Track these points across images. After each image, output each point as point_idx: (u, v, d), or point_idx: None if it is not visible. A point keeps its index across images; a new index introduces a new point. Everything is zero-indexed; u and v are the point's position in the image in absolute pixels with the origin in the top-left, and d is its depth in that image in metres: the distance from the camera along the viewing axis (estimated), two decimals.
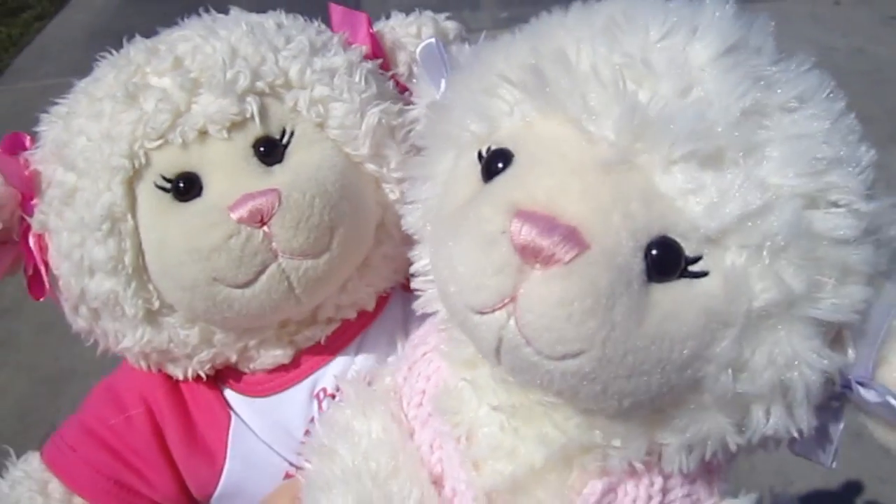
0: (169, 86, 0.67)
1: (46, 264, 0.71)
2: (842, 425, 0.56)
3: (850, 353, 0.51)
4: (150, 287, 0.68)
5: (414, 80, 0.73)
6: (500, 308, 0.48)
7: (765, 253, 0.47)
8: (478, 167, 0.53)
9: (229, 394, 0.77)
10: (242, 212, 0.63)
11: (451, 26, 0.82)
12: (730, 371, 0.49)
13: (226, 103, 0.66)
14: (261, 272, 0.65)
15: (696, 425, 0.52)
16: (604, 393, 0.49)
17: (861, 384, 0.51)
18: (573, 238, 0.45)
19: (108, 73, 0.69)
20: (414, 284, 0.63)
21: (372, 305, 0.77)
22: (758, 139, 0.48)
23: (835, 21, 3.14)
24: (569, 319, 0.46)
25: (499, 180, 0.50)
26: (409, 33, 0.80)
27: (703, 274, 0.47)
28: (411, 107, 0.73)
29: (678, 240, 0.47)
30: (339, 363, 0.77)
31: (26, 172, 0.71)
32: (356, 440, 0.66)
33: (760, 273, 0.47)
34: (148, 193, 0.67)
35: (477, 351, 0.59)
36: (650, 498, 0.58)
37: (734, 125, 0.47)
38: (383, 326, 0.79)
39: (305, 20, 0.76)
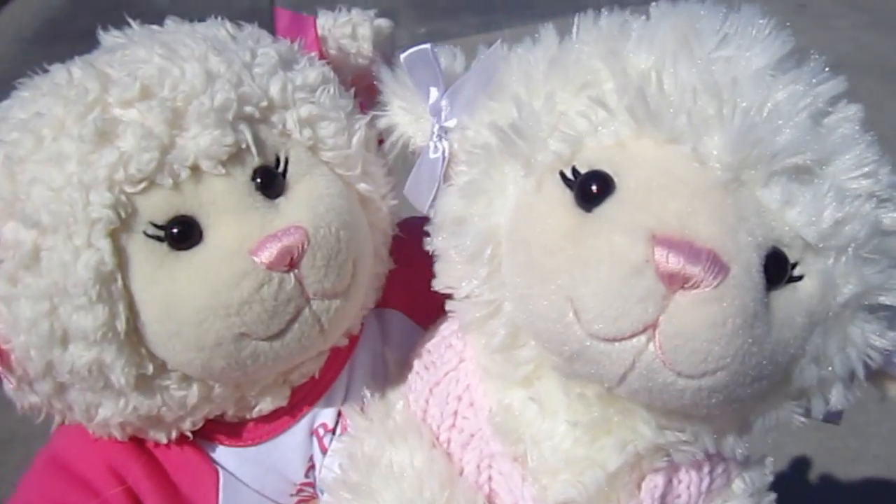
0: (145, 119, 0.57)
1: None
2: None
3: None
4: (143, 351, 0.59)
5: (381, 85, 0.68)
6: (638, 334, 0.48)
7: (849, 252, 0.51)
8: (566, 190, 0.53)
9: (214, 448, 0.69)
10: (271, 255, 0.57)
11: (384, 25, 0.77)
12: (814, 363, 0.53)
13: (218, 134, 0.58)
14: (293, 320, 0.59)
15: (767, 415, 0.57)
16: (723, 401, 0.52)
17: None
18: (717, 262, 0.47)
19: (53, 107, 0.57)
20: (452, 307, 0.61)
21: (358, 328, 0.73)
22: (824, 146, 0.52)
23: None
24: (719, 340, 0.47)
25: (614, 205, 0.50)
26: (345, 34, 0.75)
27: (800, 277, 0.51)
28: (383, 113, 0.69)
29: (784, 249, 0.51)
30: (333, 394, 0.72)
31: None
32: (397, 473, 0.63)
33: (842, 270, 0.52)
34: (138, 245, 0.57)
35: (536, 370, 0.59)
36: (700, 481, 0.63)
37: (809, 135, 0.51)
38: (366, 346, 0.75)
39: (250, 27, 0.68)
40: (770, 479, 0.68)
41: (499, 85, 0.59)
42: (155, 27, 0.66)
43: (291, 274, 0.58)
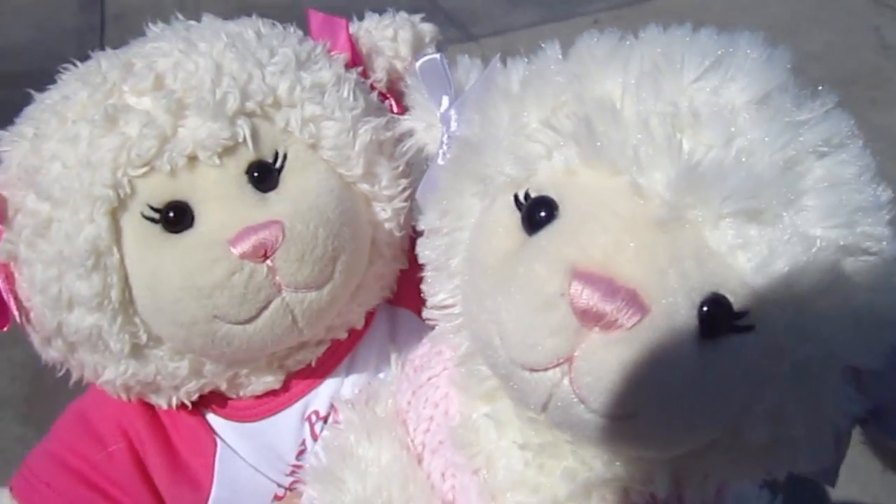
0: (152, 108, 0.62)
1: (14, 294, 0.66)
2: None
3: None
4: (137, 321, 0.64)
5: (406, 90, 0.70)
6: (553, 367, 0.47)
7: (808, 307, 0.48)
8: (516, 213, 0.52)
9: (214, 419, 0.74)
10: (245, 247, 0.60)
11: (427, 29, 0.78)
12: (769, 420, 0.50)
13: (216, 127, 0.62)
14: (264, 308, 0.62)
15: (727, 468, 0.54)
16: (650, 447, 0.50)
17: (877, 417, 0.54)
18: (635, 302, 0.45)
19: (80, 92, 0.63)
20: (426, 315, 0.62)
21: (361, 323, 0.75)
22: (797, 189, 0.48)
23: None
24: (629, 383, 0.46)
25: (547, 234, 0.49)
26: (386, 37, 0.76)
27: (749, 328, 0.48)
28: (402, 118, 0.70)
29: (728, 296, 0.48)
30: (330, 384, 0.75)
31: None
32: (363, 467, 0.65)
33: (801, 326, 0.48)
34: (134, 224, 0.62)
35: (499, 387, 0.59)
36: None
37: (779, 178, 0.47)
38: (371, 342, 0.78)
39: (284, 28, 0.72)
40: None
41: (485, 100, 0.59)
42: (192, 22, 0.70)
43: (265, 265, 0.61)
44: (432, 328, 0.73)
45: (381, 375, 0.75)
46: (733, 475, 0.55)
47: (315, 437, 0.74)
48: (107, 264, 0.61)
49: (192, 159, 0.62)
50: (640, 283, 0.46)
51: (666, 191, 0.47)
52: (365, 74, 0.74)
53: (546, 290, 0.47)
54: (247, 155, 0.64)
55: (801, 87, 0.53)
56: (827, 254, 0.48)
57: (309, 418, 0.74)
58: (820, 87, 0.53)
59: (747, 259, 0.47)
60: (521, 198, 0.52)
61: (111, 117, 0.61)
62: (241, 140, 0.63)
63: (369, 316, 0.77)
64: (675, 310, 0.46)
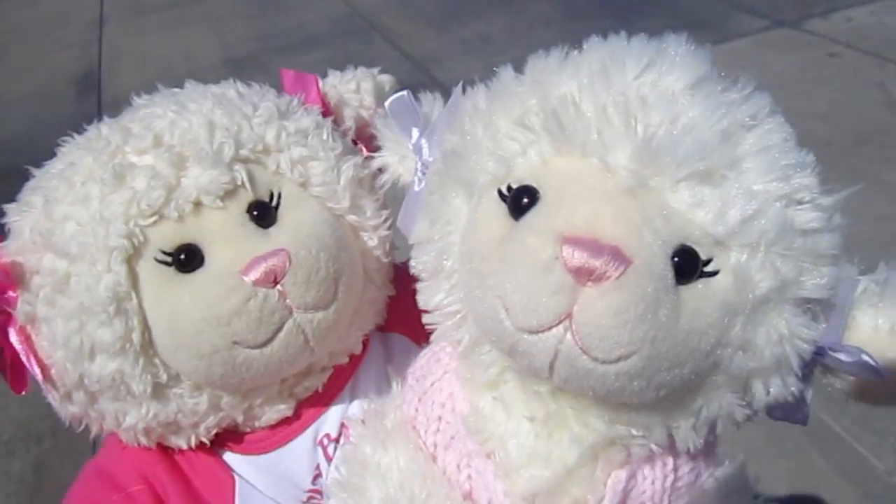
0: (155, 163, 0.68)
1: (34, 354, 0.70)
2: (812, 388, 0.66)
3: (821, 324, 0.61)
4: (157, 361, 0.69)
5: (376, 131, 0.77)
6: (556, 325, 0.54)
7: (761, 248, 0.56)
8: (502, 204, 0.59)
9: (231, 457, 0.78)
10: (257, 274, 0.66)
11: (386, 79, 0.87)
12: (741, 352, 0.58)
13: (216, 173, 0.68)
14: (278, 329, 0.68)
15: (709, 405, 0.61)
16: (647, 387, 0.56)
17: (832, 349, 0.62)
18: (619, 256, 0.53)
19: (85, 157, 0.69)
20: (427, 320, 0.68)
21: (359, 348, 0.81)
22: (736, 155, 0.57)
23: None
24: (624, 326, 0.53)
25: (534, 214, 0.57)
26: (350, 89, 0.85)
27: (715, 273, 0.56)
28: (377, 155, 0.77)
29: (694, 246, 0.56)
30: (337, 407, 0.80)
31: None
32: (384, 473, 0.70)
33: (758, 266, 0.56)
34: (149, 269, 0.67)
35: (502, 372, 0.66)
36: (665, 477, 0.66)
37: (719, 145, 0.56)
38: (370, 365, 0.83)
39: (259, 86, 0.79)
40: (744, 480, 0.71)
41: (456, 119, 0.67)
42: (176, 89, 0.77)
43: (276, 289, 0.67)
44: (426, 343, 0.79)
45: (388, 396, 0.80)
46: (718, 412, 0.62)
47: (329, 459, 0.79)
48: (127, 309, 0.66)
49: (198, 205, 0.69)
50: (621, 240, 0.53)
51: (630, 164, 0.55)
52: (337, 124, 0.82)
53: (541, 257, 0.54)
54: (246, 196, 0.70)
55: (721, 76, 0.63)
56: (770, 204, 0.56)
57: (321, 442, 0.79)
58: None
59: (705, 213, 0.56)
60: (505, 190, 0.60)
61: (119, 175, 0.67)
62: (239, 183, 0.70)
63: (365, 342, 0.82)
64: (653, 260, 0.54)
